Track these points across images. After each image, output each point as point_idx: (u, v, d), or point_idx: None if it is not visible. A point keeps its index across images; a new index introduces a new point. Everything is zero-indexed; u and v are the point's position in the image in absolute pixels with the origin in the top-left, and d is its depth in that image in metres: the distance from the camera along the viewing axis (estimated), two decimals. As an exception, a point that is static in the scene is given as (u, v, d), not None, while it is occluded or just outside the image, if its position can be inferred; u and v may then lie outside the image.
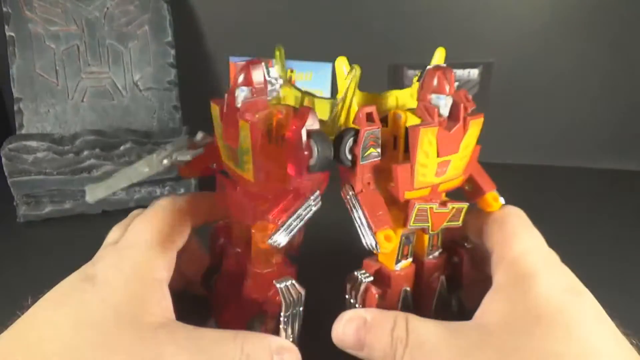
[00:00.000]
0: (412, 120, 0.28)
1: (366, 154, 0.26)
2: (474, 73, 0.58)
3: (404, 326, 0.25)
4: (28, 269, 0.42)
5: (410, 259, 0.30)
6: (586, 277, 0.44)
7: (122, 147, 0.50)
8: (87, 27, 0.52)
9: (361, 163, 0.27)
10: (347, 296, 0.30)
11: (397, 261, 0.30)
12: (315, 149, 0.25)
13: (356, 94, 0.29)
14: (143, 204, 0.38)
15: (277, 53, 0.32)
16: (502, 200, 0.30)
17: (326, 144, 0.26)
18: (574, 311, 0.23)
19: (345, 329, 0.27)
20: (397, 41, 0.57)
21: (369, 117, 0.26)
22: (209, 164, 0.31)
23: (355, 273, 0.30)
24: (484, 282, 0.28)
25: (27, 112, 0.51)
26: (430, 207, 0.28)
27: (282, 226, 0.26)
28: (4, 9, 0.51)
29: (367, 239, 0.27)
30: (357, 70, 0.28)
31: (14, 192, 0.49)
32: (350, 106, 0.29)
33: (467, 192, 0.30)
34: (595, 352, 0.22)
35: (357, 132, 0.26)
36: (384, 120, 0.28)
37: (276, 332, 0.29)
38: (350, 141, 0.26)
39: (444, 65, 0.27)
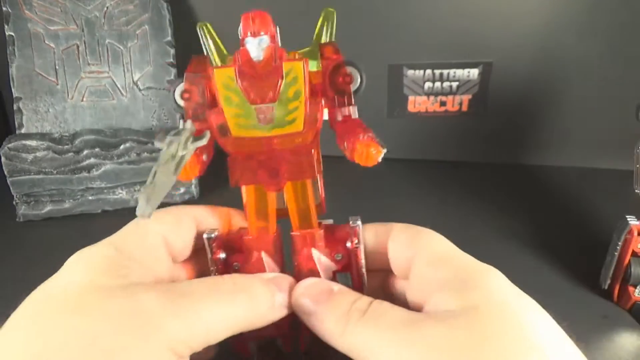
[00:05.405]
0: None
1: None
2: (474, 73, 0.58)
3: None
4: (27, 269, 0.42)
5: None
6: (584, 273, 0.44)
7: (121, 147, 0.50)
8: (87, 26, 0.52)
9: None
10: (614, 235, 0.37)
11: None
12: (358, 75, 0.27)
13: None
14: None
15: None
16: None
17: (363, 70, 0.28)
18: (517, 306, 0.23)
19: None
20: (397, 41, 0.57)
21: None
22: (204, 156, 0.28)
23: (627, 216, 0.36)
24: None
25: (26, 112, 0.51)
26: None
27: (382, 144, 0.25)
28: (4, 9, 0.51)
29: (636, 183, 0.34)
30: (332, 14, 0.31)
31: (14, 191, 0.49)
32: None
33: None
34: (538, 345, 0.22)
35: None
36: None
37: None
38: None
39: None
